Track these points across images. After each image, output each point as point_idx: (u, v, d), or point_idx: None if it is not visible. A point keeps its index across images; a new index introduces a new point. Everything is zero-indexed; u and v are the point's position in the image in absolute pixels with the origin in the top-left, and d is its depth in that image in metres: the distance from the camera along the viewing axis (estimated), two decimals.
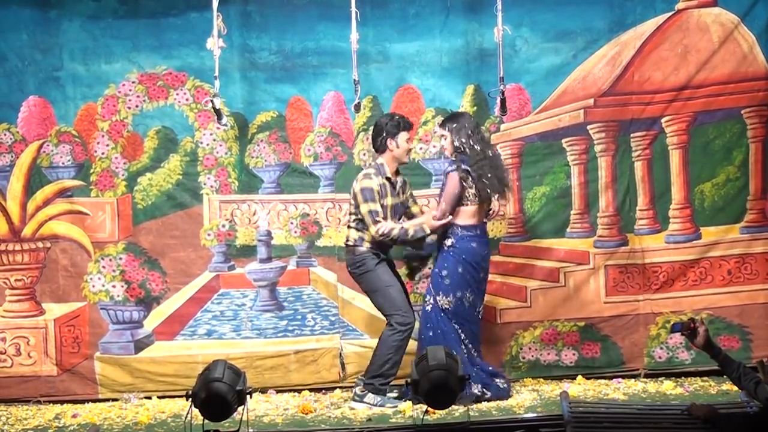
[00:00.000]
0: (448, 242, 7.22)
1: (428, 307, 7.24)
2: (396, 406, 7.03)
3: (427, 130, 8.03)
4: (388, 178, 7.30)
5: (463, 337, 7.18)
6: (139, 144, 7.99)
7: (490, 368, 7.29)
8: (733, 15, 7.91)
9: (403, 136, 7.32)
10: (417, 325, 7.31)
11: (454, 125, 7.29)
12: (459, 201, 7.19)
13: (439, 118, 7.74)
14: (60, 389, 7.86)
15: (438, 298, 7.19)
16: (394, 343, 7.16)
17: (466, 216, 7.23)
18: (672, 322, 6.33)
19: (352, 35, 7.34)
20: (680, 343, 7.88)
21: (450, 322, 7.17)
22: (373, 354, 7.26)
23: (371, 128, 7.94)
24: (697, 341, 5.81)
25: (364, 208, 7.19)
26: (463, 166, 7.17)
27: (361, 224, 7.28)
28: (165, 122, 8.00)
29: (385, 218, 7.21)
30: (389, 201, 7.29)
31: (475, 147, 7.21)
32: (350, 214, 7.38)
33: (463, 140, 7.22)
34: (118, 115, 7.97)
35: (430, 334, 7.16)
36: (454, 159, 7.28)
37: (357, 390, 7.22)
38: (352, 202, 7.31)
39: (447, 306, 7.17)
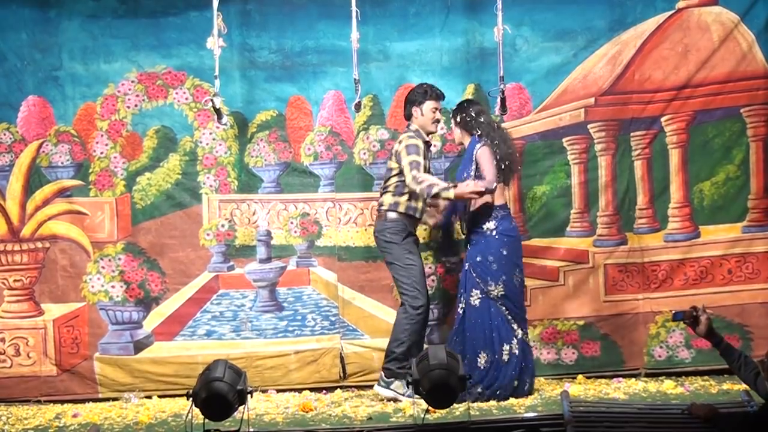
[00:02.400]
0: (490, 225, 7.23)
1: (476, 302, 7.22)
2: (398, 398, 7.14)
3: None
4: (426, 142, 7.39)
5: (515, 328, 7.17)
6: (138, 143, 7.99)
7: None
8: (733, 14, 7.93)
9: (429, 104, 7.38)
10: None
11: (452, 112, 7.44)
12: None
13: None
14: (60, 389, 7.86)
15: (489, 287, 7.17)
16: (405, 325, 7.21)
17: (498, 196, 7.27)
18: (673, 311, 6.33)
19: (352, 34, 7.35)
20: (680, 342, 7.91)
21: (502, 314, 7.16)
22: (390, 337, 7.31)
23: (371, 127, 7.99)
24: (699, 329, 5.88)
25: (407, 159, 7.20)
26: (486, 140, 7.23)
27: (398, 189, 7.30)
28: (164, 121, 8.00)
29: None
30: (426, 162, 7.36)
31: (482, 121, 7.30)
32: (387, 180, 7.40)
33: (468, 118, 7.31)
34: (117, 114, 7.98)
35: (479, 332, 7.17)
36: (475, 135, 7.31)
37: (383, 375, 7.25)
38: (393, 165, 7.33)
39: (500, 293, 7.17)
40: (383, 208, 7.38)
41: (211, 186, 8.02)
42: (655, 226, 8.02)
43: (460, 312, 7.30)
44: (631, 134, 8.02)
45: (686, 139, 8.00)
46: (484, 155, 7.21)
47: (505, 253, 7.20)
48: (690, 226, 8.00)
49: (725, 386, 7.19)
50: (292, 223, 8.04)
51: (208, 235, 8.01)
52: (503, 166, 7.28)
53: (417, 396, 6.26)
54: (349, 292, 8.01)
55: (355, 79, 7.35)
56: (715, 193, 8.00)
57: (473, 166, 7.26)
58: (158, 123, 8.01)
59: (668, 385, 7.33)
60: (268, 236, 8.03)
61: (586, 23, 8.02)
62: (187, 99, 8.00)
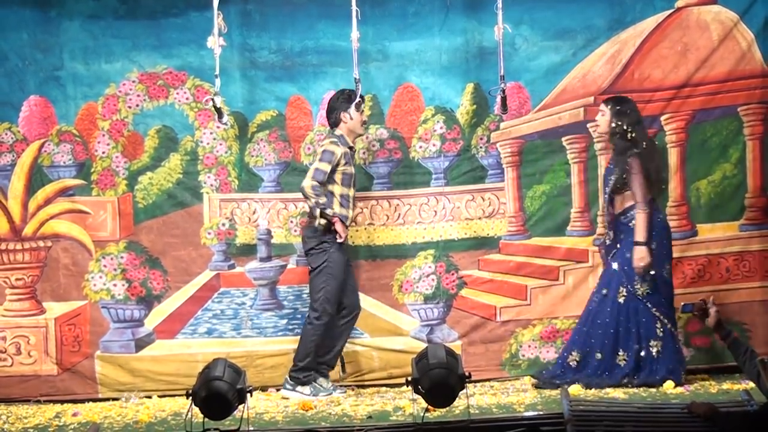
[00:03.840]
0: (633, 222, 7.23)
1: (621, 299, 7.22)
2: (330, 393, 7.30)
3: (427, 129, 8.00)
4: (350, 147, 7.41)
5: (665, 321, 7.17)
6: (140, 143, 7.96)
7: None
8: (733, 13, 7.87)
9: (353, 108, 7.38)
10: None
11: (618, 107, 7.34)
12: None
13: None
14: (60, 388, 7.82)
15: (635, 285, 7.19)
16: (312, 337, 7.36)
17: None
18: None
19: (352, 34, 7.30)
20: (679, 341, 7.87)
21: (648, 311, 7.18)
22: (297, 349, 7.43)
23: (371, 127, 7.96)
24: (709, 321, 5.90)
25: (316, 164, 7.27)
26: (635, 150, 7.22)
27: (330, 198, 7.34)
28: (165, 121, 7.96)
29: (349, 185, 7.38)
30: (352, 169, 7.41)
31: (635, 135, 7.28)
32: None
33: (624, 125, 7.28)
34: (119, 114, 7.94)
35: (622, 328, 7.19)
36: (621, 143, 7.29)
37: (286, 382, 7.40)
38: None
39: (646, 290, 7.19)
40: (304, 218, 7.42)
41: (211, 185, 7.98)
42: None
43: (594, 304, 7.32)
44: None
45: (685, 138, 7.95)
46: (636, 168, 7.22)
47: (653, 247, 7.20)
48: (688, 224, 7.96)
49: (725, 386, 7.14)
50: (292, 222, 8.00)
51: (209, 233, 7.98)
52: (651, 178, 7.27)
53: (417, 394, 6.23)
54: None
55: (355, 79, 7.31)
56: (712, 191, 7.95)
57: (617, 170, 7.28)
58: (159, 123, 7.97)
59: (668, 385, 7.28)
60: (268, 235, 8.00)
61: (585, 22, 7.97)
62: (187, 99, 7.96)
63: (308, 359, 7.36)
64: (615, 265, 7.30)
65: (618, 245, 7.34)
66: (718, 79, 7.87)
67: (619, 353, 7.23)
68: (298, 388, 7.36)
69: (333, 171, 7.32)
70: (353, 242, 7.95)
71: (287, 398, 7.33)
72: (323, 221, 7.28)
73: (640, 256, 7.16)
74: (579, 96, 7.97)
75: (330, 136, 7.48)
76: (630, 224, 7.28)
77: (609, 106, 7.38)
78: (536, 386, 7.35)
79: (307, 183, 7.25)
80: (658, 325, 7.21)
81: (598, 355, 7.26)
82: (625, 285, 7.24)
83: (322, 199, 7.25)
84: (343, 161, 7.34)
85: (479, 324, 7.97)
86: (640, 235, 7.17)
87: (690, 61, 7.88)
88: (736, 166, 7.94)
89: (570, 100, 7.98)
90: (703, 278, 7.92)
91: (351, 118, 7.42)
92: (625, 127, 7.30)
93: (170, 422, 6.78)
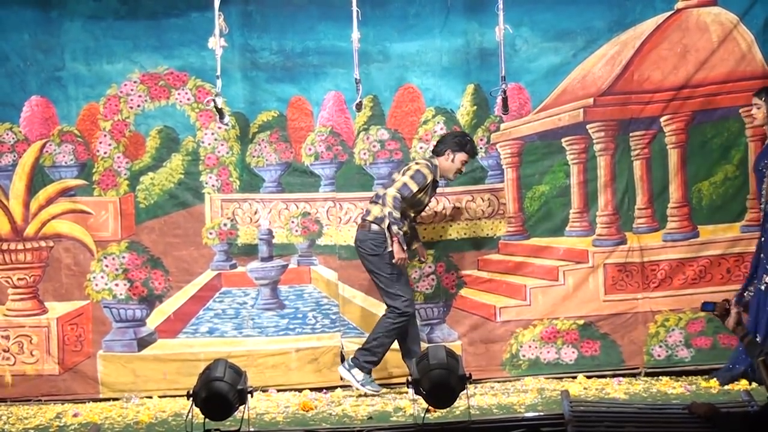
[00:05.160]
0: None
1: (762, 287, 7.11)
2: (377, 392, 7.20)
3: (428, 129, 7.94)
4: (435, 180, 7.40)
5: None
6: (141, 143, 7.89)
7: None
8: (733, 14, 7.81)
9: (461, 156, 7.39)
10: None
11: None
12: None
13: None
14: (61, 388, 7.74)
15: None
16: (387, 326, 7.28)
17: None
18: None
19: (353, 34, 7.24)
20: (679, 342, 7.81)
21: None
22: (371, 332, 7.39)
23: (371, 128, 7.89)
24: (728, 322, 5.87)
25: (406, 180, 7.25)
26: None
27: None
28: (167, 122, 7.90)
29: (419, 212, 7.50)
30: (427, 200, 7.43)
31: None
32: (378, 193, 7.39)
33: None
34: (120, 114, 7.87)
35: (762, 316, 7.07)
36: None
37: (349, 359, 7.35)
38: (396, 176, 7.33)
39: None
40: (368, 218, 7.33)
41: (213, 185, 7.92)
42: (654, 226, 7.90)
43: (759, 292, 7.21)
44: (630, 134, 7.90)
45: (685, 139, 7.88)
46: None
47: None
48: (689, 225, 7.89)
49: (726, 386, 7.07)
50: (293, 222, 7.93)
51: (210, 233, 7.91)
52: None
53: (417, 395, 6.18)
54: (349, 291, 7.92)
55: (356, 79, 7.25)
56: (713, 192, 7.88)
57: None
58: (161, 123, 7.91)
59: (669, 385, 7.23)
60: (269, 235, 7.93)
61: (585, 24, 7.91)
62: (189, 99, 7.90)
63: (380, 349, 7.30)
64: (763, 254, 7.20)
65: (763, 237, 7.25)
66: (718, 80, 7.80)
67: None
68: (354, 371, 7.31)
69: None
70: (353, 242, 7.81)
71: (341, 377, 7.39)
72: (382, 230, 7.24)
73: None
74: (579, 97, 7.90)
75: (428, 159, 7.47)
76: None
77: (763, 98, 7.29)
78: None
79: (392, 192, 7.21)
80: None
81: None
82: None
83: (396, 214, 7.21)
84: (422, 193, 7.36)
85: (479, 324, 7.91)
86: None
87: (689, 63, 7.81)
88: (738, 167, 7.87)
89: (570, 102, 7.91)
90: (704, 279, 7.84)
91: (452, 161, 7.40)
92: None
93: (171, 423, 6.72)
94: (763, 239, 7.22)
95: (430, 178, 7.32)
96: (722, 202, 7.87)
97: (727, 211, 7.87)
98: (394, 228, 7.17)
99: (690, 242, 7.86)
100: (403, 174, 7.32)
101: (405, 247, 7.23)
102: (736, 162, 7.87)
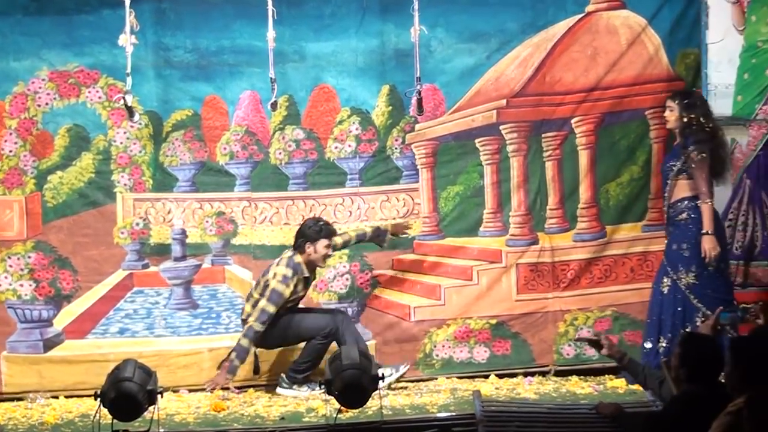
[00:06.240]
0: (684, 216, 7.15)
1: (665, 289, 7.11)
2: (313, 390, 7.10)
3: (343, 129, 7.84)
4: (306, 277, 7.29)
5: (708, 314, 6.96)
6: (49, 142, 7.64)
7: None
8: (641, 18, 7.79)
9: (322, 242, 7.24)
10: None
11: (686, 101, 7.21)
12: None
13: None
14: None
15: (680, 275, 7.07)
16: (317, 347, 7.24)
17: (694, 188, 7.16)
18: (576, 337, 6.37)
19: (269, 34, 7.10)
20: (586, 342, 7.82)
21: (690, 301, 7.07)
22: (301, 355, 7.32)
23: (287, 127, 7.78)
24: (603, 352, 5.91)
25: (264, 304, 7.15)
26: (704, 146, 7.10)
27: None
28: (77, 120, 7.66)
29: (293, 308, 7.32)
30: (300, 294, 7.33)
31: (708, 125, 7.15)
32: (254, 291, 7.32)
33: (693, 116, 7.15)
34: (27, 112, 7.61)
35: (664, 317, 7.09)
36: (689, 136, 7.16)
37: (285, 378, 7.29)
38: (261, 282, 7.27)
39: (691, 281, 7.08)
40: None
41: (125, 185, 7.71)
42: (565, 226, 7.88)
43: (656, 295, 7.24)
44: (543, 135, 7.86)
45: (595, 140, 7.87)
46: (703, 165, 7.10)
47: (697, 241, 7.09)
48: (597, 225, 7.88)
49: (632, 387, 7.06)
50: (207, 221, 7.78)
51: (122, 233, 7.71)
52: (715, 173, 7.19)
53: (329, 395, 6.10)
54: None
55: (271, 79, 7.11)
56: (620, 193, 7.89)
57: (679, 163, 7.17)
58: (70, 121, 7.66)
59: (577, 385, 7.23)
60: (183, 235, 7.76)
61: (499, 25, 7.85)
62: (100, 98, 7.68)
63: (312, 366, 7.28)
64: (664, 258, 7.25)
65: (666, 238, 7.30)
66: (626, 82, 7.80)
67: (660, 340, 7.15)
68: (295, 387, 7.26)
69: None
70: (269, 242, 7.79)
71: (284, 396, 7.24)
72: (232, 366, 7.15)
73: (711, 246, 7.04)
74: (492, 99, 7.85)
75: (290, 261, 7.27)
76: (677, 218, 7.19)
77: (677, 101, 7.27)
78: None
79: (256, 325, 7.12)
80: (700, 315, 7.08)
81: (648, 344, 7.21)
82: (669, 276, 7.15)
83: (244, 342, 7.13)
84: (292, 296, 7.26)
85: (393, 323, 7.83)
86: (707, 225, 7.06)
87: (599, 65, 7.80)
88: (643, 168, 7.87)
89: (483, 103, 7.85)
90: (610, 278, 7.85)
91: (315, 251, 7.25)
92: (702, 120, 7.18)
93: (77, 424, 6.53)
94: (665, 241, 7.29)
95: (288, 292, 7.19)
96: (628, 203, 7.87)
97: (632, 211, 7.87)
98: (233, 355, 7.11)
99: (598, 242, 7.85)
100: (261, 294, 7.21)
101: (229, 375, 7.10)
102: (641, 163, 7.88)
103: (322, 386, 6.09)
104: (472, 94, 7.86)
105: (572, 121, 7.85)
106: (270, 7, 7.05)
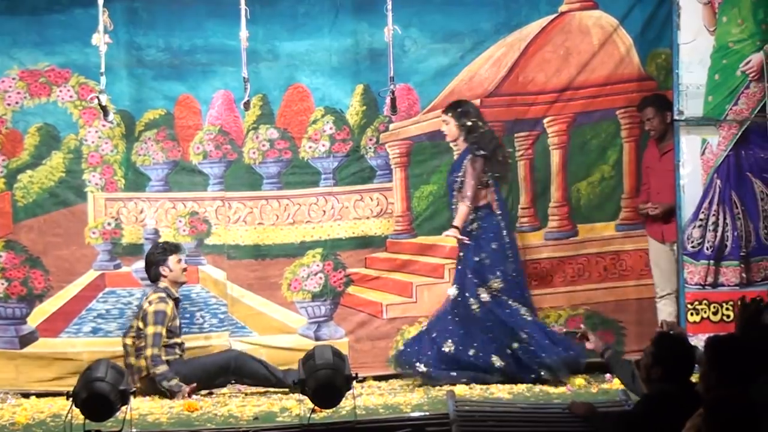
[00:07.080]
0: (474, 226, 7.20)
1: (486, 298, 7.13)
2: None
3: (317, 129, 7.78)
4: (176, 299, 7.25)
5: (525, 314, 7.09)
6: (19, 141, 7.55)
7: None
8: (613, 18, 7.77)
9: (172, 259, 7.23)
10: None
11: (459, 109, 7.26)
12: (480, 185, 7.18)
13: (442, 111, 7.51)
14: None
15: (491, 283, 7.13)
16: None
17: (481, 198, 7.24)
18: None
19: (241, 33, 6.99)
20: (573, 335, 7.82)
21: (510, 305, 7.11)
22: None
23: (260, 127, 7.71)
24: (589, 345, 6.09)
25: (151, 330, 7.08)
26: (482, 152, 7.17)
27: (139, 352, 7.21)
28: (47, 119, 7.58)
29: (178, 337, 7.26)
30: (177, 322, 7.26)
31: (484, 128, 7.25)
32: (137, 338, 7.20)
33: (473, 120, 7.24)
34: None
35: (494, 327, 7.10)
36: (470, 144, 7.23)
37: None
38: (139, 316, 7.20)
39: (501, 285, 7.11)
40: (152, 370, 7.11)
41: (96, 184, 7.63)
42: (536, 225, 7.85)
43: (449, 302, 7.25)
44: (515, 135, 7.83)
45: (567, 140, 7.85)
46: (475, 169, 7.18)
47: (494, 247, 7.15)
48: (568, 224, 7.86)
49: (604, 386, 7.03)
50: (180, 221, 7.70)
51: (93, 233, 7.62)
52: (488, 180, 7.25)
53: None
54: (237, 290, 7.73)
55: (244, 78, 7.00)
56: (591, 192, 7.87)
57: (461, 173, 7.23)
58: (41, 120, 7.58)
59: (550, 386, 7.20)
60: (155, 234, 7.68)
61: (472, 25, 7.81)
62: (71, 97, 7.59)
63: None
64: (468, 270, 7.24)
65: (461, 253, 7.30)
66: (598, 82, 7.78)
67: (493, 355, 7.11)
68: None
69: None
70: (243, 242, 7.72)
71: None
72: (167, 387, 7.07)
73: (452, 234, 7.17)
74: (466, 98, 7.75)
75: (157, 289, 7.25)
76: (468, 228, 7.21)
77: (450, 114, 7.32)
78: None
79: (150, 352, 7.07)
80: (524, 316, 7.13)
81: (471, 352, 7.13)
82: (483, 286, 7.15)
83: (160, 369, 7.06)
84: (173, 318, 7.21)
85: (366, 321, 7.80)
86: (458, 221, 7.17)
87: (572, 65, 7.77)
88: (614, 167, 7.86)
89: None
90: (583, 277, 7.84)
91: (171, 270, 7.24)
92: (479, 123, 7.28)
93: (49, 424, 6.38)
94: (461, 254, 7.30)
95: (171, 305, 7.16)
96: (599, 202, 7.87)
97: (604, 210, 7.87)
98: (165, 382, 7.05)
99: (569, 241, 7.84)
100: (147, 322, 7.12)
101: (182, 391, 7.02)
102: (612, 162, 7.87)
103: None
104: (446, 93, 7.81)
105: (545, 120, 7.82)
106: (243, 6, 6.94)
